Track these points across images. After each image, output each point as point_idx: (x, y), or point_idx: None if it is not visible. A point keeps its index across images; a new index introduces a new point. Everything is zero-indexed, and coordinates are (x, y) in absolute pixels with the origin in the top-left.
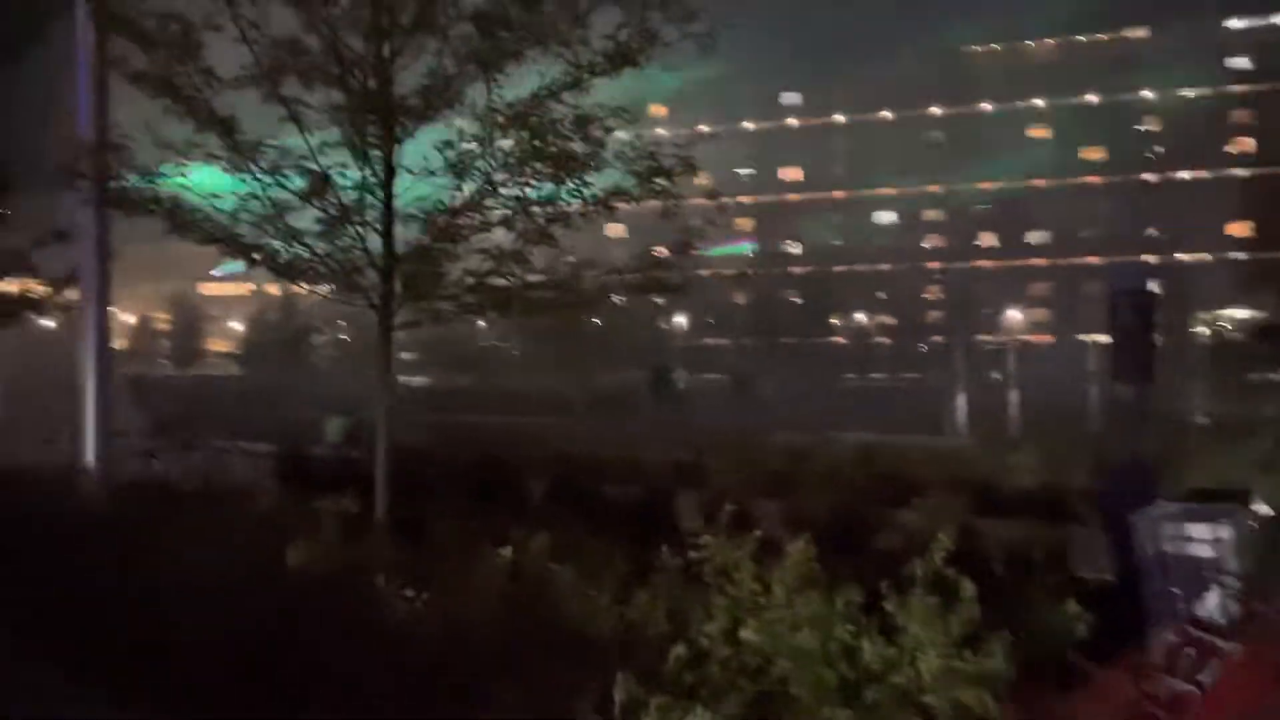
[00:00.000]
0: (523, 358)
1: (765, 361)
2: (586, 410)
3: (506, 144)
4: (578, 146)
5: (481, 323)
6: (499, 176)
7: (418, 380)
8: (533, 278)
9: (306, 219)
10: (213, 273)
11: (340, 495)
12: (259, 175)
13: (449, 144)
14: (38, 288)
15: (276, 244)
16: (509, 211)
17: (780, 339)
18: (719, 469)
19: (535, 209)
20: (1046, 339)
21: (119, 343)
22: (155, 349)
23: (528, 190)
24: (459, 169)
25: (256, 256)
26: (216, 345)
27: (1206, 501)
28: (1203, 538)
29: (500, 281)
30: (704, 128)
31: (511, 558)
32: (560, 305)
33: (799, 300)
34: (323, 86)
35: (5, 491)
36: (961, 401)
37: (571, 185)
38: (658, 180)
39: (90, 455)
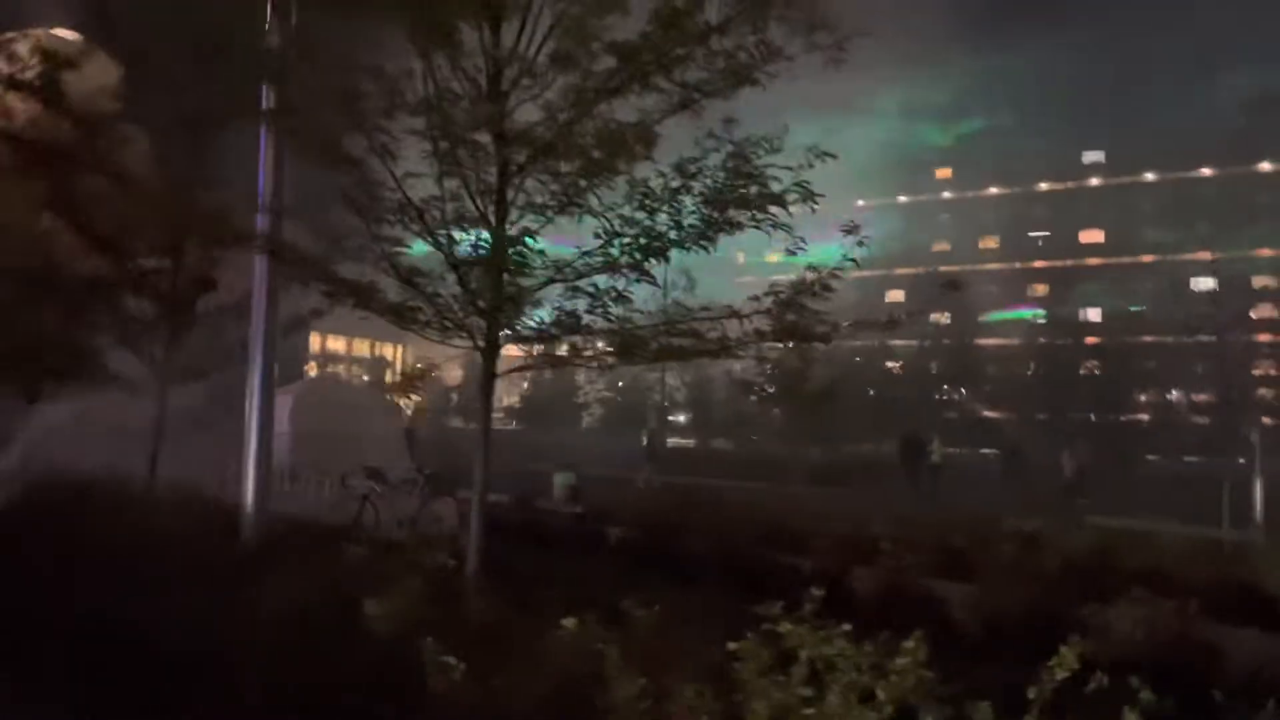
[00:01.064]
0: (784, 424)
1: (1050, 437)
2: (826, 478)
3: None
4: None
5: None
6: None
7: (682, 442)
8: (644, 321)
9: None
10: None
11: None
12: (381, 215)
13: (556, 175)
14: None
15: (384, 283)
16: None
17: (1070, 413)
18: (916, 547)
19: (632, 243)
20: None
21: (415, 397)
22: (446, 404)
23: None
24: (564, 203)
25: (356, 294)
26: (505, 402)
27: None
28: None
29: (600, 323)
30: (993, 189)
31: (575, 629)
32: (693, 352)
33: (1096, 372)
34: (434, 116)
35: (138, 515)
36: (1259, 490)
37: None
38: (769, 208)
39: (249, 495)
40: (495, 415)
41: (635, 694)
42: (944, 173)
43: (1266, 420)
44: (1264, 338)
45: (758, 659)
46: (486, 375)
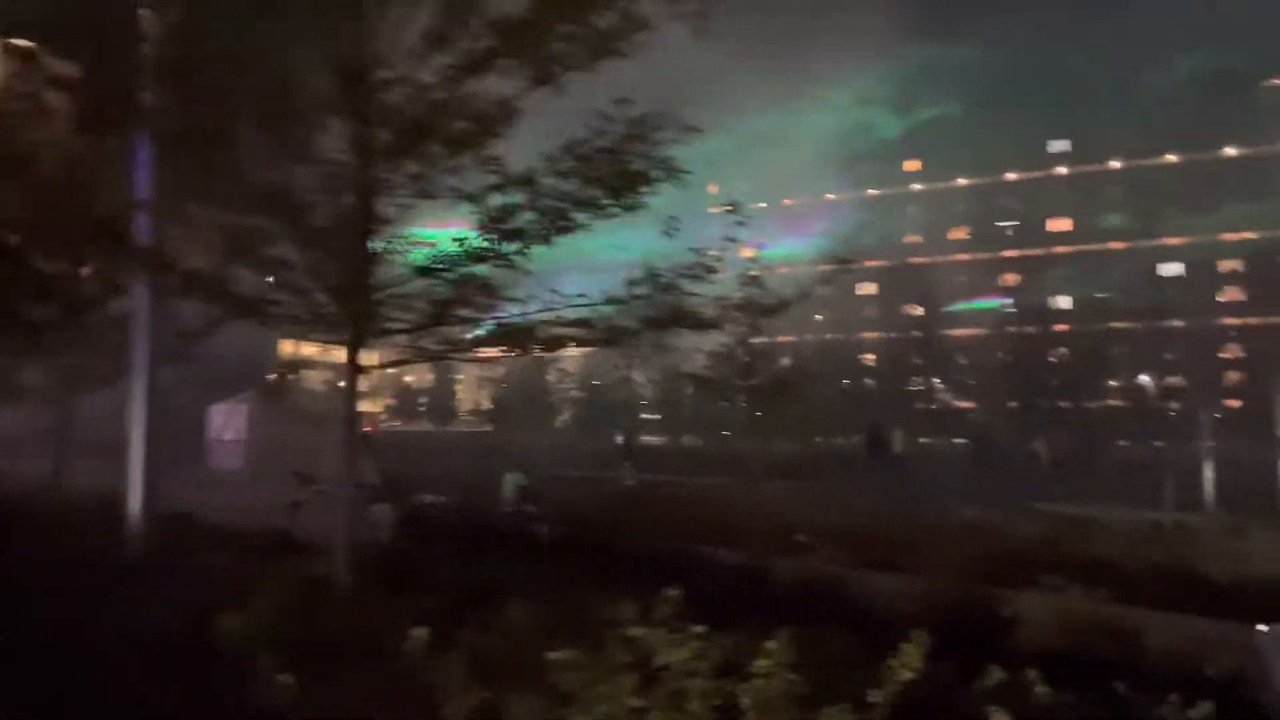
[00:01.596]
0: (753, 420)
1: (1021, 426)
2: (795, 473)
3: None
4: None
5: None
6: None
7: (654, 440)
8: (512, 310)
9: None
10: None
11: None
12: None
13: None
14: None
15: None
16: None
17: (1041, 401)
18: (837, 539)
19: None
20: None
21: (384, 401)
22: (415, 407)
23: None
24: (426, 189)
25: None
26: (474, 404)
27: None
28: None
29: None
30: (961, 180)
31: (428, 641)
32: (587, 340)
33: (1067, 360)
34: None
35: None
36: (1209, 473)
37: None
38: (633, 186)
39: (135, 502)
40: (466, 418)
41: (467, 708)
42: (912, 165)
43: (1234, 403)
44: (1231, 321)
45: (588, 667)
46: (351, 371)
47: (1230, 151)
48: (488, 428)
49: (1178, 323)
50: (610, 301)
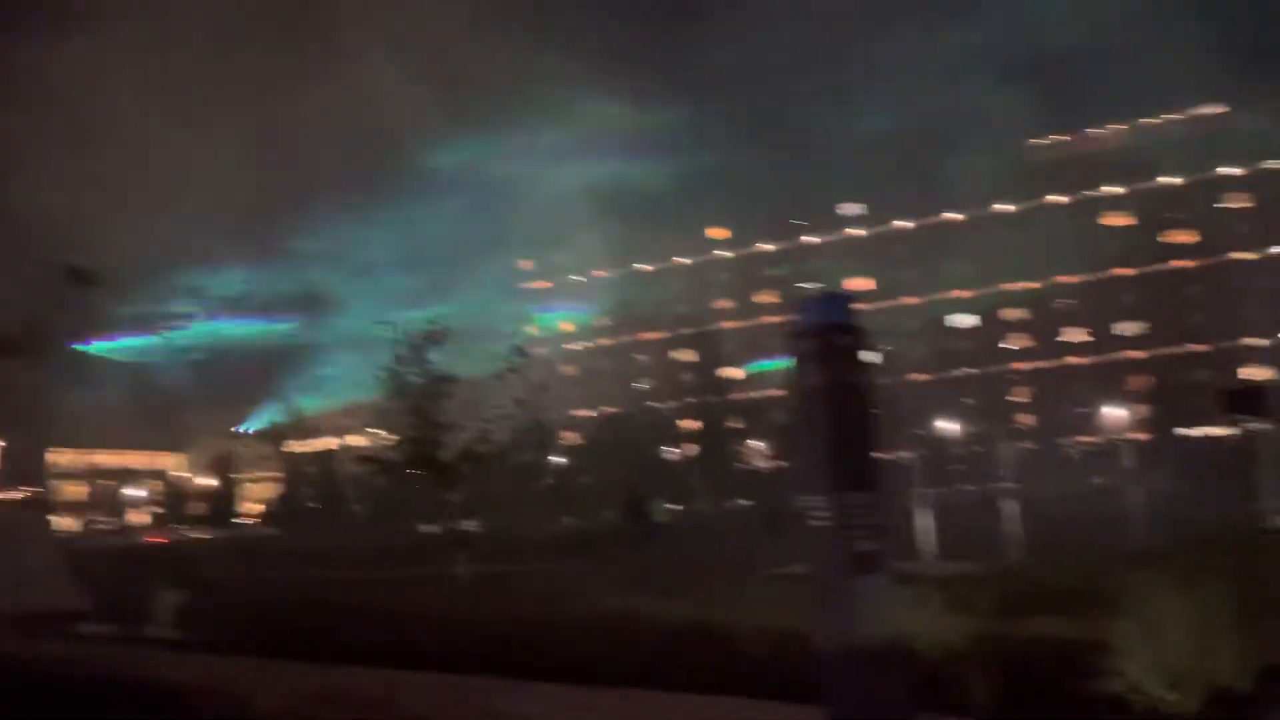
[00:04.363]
0: (540, 501)
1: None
2: (571, 550)
3: None
4: None
5: None
6: None
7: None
8: None
9: None
10: (238, 429)
11: None
12: None
13: None
14: None
15: None
16: None
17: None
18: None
19: None
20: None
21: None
22: (184, 510)
23: None
24: None
25: None
26: (247, 504)
27: None
28: None
29: None
30: (765, 246)
31: None
32: None
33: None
34: None
35: None
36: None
37: None
38: None
39: None
40: (250, 520)
41: None
42: (719, 232)
43: (1028, 445)
44: (1019, 366)
45: None
46: None
47: (1006, 207)
48: (272, 530)
49: (972, 370)
50: None
